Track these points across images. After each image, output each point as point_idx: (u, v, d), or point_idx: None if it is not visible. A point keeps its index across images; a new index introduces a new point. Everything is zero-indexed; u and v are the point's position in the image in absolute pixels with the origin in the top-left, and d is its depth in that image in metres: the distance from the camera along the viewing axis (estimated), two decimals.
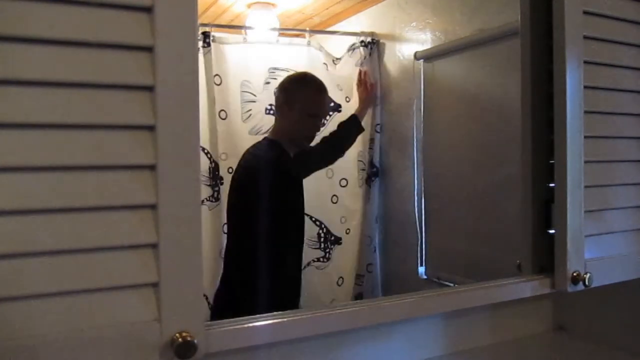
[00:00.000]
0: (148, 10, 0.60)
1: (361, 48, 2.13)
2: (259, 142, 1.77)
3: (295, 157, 1.66)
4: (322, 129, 1.88)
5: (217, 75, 2.32)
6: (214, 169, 2.28)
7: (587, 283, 0.92)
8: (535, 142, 0.99)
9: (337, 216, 2.13)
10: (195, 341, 0.61)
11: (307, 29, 2.47)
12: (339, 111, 2.08)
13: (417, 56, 1.92)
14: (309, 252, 2.08)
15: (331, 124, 2.10)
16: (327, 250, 2.13)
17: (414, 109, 1.91)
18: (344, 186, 2.13)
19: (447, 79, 1.86)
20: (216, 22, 2.45)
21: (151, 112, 0.60)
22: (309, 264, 2.10)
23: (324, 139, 1.87)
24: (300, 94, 1.74)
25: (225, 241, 1.83)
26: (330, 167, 2.05)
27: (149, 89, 0.60)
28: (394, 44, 2.05)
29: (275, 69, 2.43)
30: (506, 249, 1.41)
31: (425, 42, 1.90)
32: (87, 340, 0.57)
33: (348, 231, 2.12)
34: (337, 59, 2.18)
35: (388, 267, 2.07)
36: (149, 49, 0.60)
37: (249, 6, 2.33)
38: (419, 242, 1.83)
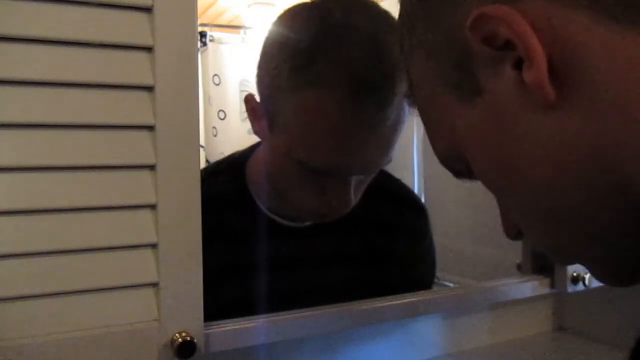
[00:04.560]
0: (148, 10, 0.59)
1: None
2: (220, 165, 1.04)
3: None
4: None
5: (216, 75, 2.32)
6: None
7: (587, 283, 0.92)
8: None
9: None
10: (195, 341, 0.61)
11: None
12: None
13: None
14: None
15: None
16: None
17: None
18: None
19: None
20: (215, 22, 2.45)
21: (151, 112, 0.60)
22: None
23: None
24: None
25: None
26: None
27: (149, 88, 0.60)
28: None
29: None
30: (506, 249, 1.41)
31: None
32: (86, 340, 0.57)
33: None
34: None
35: None
36: (148, 49, 0.60)
37: (249, 6, 2.34)
38: None
